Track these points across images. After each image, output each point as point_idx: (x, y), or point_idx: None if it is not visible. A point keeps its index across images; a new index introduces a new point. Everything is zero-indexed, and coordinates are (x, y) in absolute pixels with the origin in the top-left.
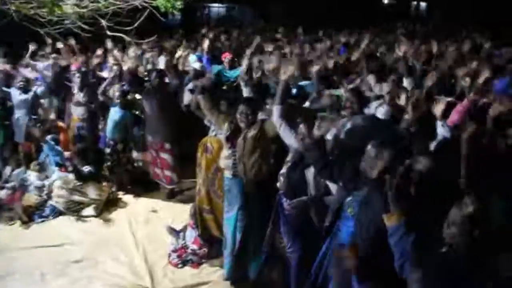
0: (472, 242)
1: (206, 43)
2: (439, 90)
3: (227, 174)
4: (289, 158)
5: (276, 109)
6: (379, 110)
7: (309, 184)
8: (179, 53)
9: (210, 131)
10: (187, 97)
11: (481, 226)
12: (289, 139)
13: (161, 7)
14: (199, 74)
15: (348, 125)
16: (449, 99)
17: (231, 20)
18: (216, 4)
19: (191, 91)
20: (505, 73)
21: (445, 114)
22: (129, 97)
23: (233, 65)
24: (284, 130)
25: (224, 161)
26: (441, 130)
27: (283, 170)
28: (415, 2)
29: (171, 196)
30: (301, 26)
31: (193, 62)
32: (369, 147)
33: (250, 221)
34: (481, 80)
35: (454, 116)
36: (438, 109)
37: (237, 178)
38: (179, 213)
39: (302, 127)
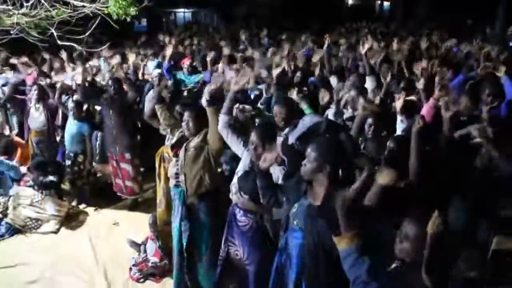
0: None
1: (169, 51)
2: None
3: (171, 183)
4: (239, 168)
5: (222, 119)
6: (329, 111)
7: None
8: (133, 60)
9: (166, 140)
10: (148, 105)
11: (443, 244)
12: (238, 147)
13: (113, 14)
14: (160, 82)
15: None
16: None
17: (197, 24)
18: (182, 9)
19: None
20: (462, 69)
21: (405, 110)
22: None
23: (193, 70)
24: (232, 139)
25: (170, 170)
26: (401, 126)
27: (234, 180)
28: (379, 2)
29: (134, 207)
30: (265, 29)
31: (152, 69)
32: (308, 150)
33: (194, 233)
34: (438, 78)
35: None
36: (398, 104)
37: (179, 188)
38: (142, 225)
39: (253, 136)
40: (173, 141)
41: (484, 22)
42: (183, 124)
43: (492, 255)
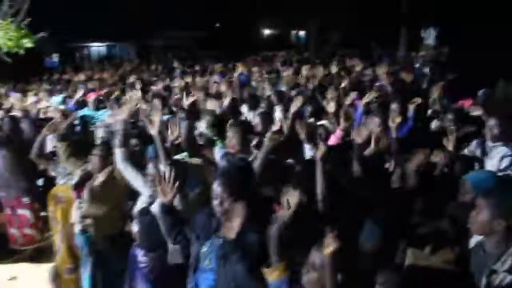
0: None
1: (80, 93)
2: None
3: (76, 229)
4: (138, 203)
5: (118, 152)
6: None
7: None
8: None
9: (58, 180)
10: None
11: (344, 266)
12: (137, 182)
13: (3, 46)
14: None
15: None
16: (324, 122)
17: (112, 58)
18: (96, 44)
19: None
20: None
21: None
22: None
23: (100, 105)
24: (130, 173)
25: (74, 214)
26: (311, 154)
27: (134, 218)
28: (294, 32)
29: (36, 256)
30: (176, 61)
31: (57, 105)
32: (214, 185)
33: (108, 282)
34: (348, 101)
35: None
36: (302, 132)
37: (86, 233)
38: (45, 276)
39: (150, 167)
40: (75, 180)
41: (389, 47)
42: (92, 158)
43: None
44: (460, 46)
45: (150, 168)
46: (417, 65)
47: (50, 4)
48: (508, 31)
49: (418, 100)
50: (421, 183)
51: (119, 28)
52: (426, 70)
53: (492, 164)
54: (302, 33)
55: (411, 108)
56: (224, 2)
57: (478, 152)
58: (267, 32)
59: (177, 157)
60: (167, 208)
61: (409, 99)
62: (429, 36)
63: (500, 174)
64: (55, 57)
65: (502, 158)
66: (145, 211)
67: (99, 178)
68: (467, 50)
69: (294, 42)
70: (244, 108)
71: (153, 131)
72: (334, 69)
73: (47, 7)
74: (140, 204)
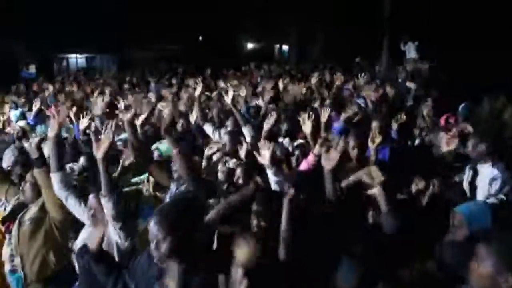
0: None
1: (37, 105)
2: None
3: (6, 268)
4: (79, 239)
5: (54, 178)
6: None
7: None
8: None
9: None
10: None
11: None
12: (80, 213)
13: None
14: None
15: None
16: (300, 141)
17: (92, 70)
18: (74, 55)
19: None
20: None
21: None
22: None
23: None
24: (71, 202)
25: (3, 251)
26: (275, 179)
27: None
28: (278, 46)
29: None
30: (149, 75)
31: (16, 120)
32: (150, 225)
33: None
34: (323, 118)
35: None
36: (264, 157)
37: (16, 273)
38: None
39: (91, 198)
40: (6, 212)
41: (371, 61)
42: (22, 186)
43: None
44: (442, 59)
45: (91, 199)
46: (399, 80)
47: (28, 13)
48: (490, 42)
49: (403, 117)
50: (404, 216)
51: (100, 40)
52: (411, 84)
53: (482, 188)
54: (286, 47)
55: (395, 126)
56: (207, 15)
57: (468, 177)
58: (250, 46)
59: (136, 179)
60: (96, 256)
61: (392, 116)
62: (410, 50)
63: (491, 199)
64: (32, 68)
65: (492, 181)
66: (83, 249)
67: (30, 211)
68: (449, 62)
69: (277, 56)
70: (208, 128)
71: (99, 154)
72: (314, 80)
73: (25, 17)
74: (81, 239)
